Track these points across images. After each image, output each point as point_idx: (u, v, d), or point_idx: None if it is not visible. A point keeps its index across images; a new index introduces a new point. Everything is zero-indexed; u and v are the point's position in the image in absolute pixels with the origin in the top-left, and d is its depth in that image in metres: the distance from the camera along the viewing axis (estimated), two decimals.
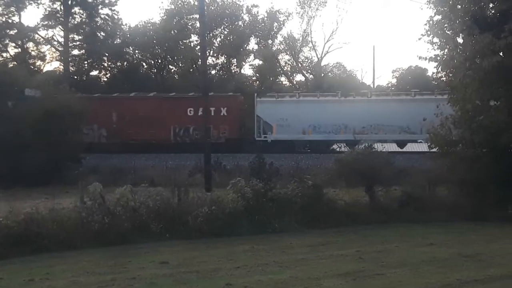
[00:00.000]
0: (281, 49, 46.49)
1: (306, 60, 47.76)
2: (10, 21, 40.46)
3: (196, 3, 39.28)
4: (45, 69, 43.43)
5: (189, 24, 43.71)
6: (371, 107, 27.69)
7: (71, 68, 41.80)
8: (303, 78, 48.99)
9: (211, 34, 42.92)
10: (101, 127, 29.00)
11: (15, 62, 39.51)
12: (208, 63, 39.21)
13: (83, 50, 42.80)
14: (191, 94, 30.79)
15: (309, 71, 48.10)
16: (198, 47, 38.24)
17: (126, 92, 33.23)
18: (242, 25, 45.08)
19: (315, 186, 13.59)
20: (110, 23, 42.33)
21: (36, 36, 42.16)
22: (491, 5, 15.44)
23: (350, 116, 27.42)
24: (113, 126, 29.08)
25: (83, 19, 41.80)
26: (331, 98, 29.09)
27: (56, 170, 19.79)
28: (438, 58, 16.03)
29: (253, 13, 45.27)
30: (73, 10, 41.11)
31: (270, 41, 45.90)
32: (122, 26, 43.73)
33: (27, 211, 10.76)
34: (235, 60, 45.75)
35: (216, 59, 45.32)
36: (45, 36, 42.19)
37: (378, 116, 27.11)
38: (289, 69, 48.16)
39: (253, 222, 12.13)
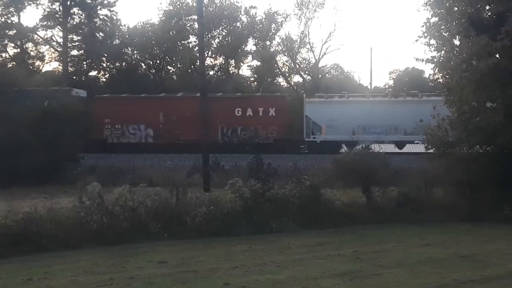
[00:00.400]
0: (279, 50, 46.59)
1: (304, 61, 47.88)
2: (9, 21, 40.57)
3: (194, 4, 39.35)
4: (44, 70, 43.64)
5: (188, 25, 43.79)
6: (421, 108, 27.18)
7: (70, 68, 41.86)
8: (300, 79, 49.15)
9: (209, 35, 43.01)
10: (148, 128, 28.82)
11: (14, 62, 39.62)
12: (206, 64, 39.36)
13: (82, 51, 42.90)
14: (238, 94, 30.58)
15: (306, 72, 48.21)
16: (197, 48, 38.47)
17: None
18: (240, 26, 45.16)
19: (313, 187, 13.62)
20: (109, 23, 42.42)
21: (35, 36, 42.28)
22: (487, 7, 15.51)
23: (401, 116, 27.13)
24: (159, 127, 28.86)
25: (82, 20, 41.89)
26: (381, 98, 28.87)
27: (54, 170, 19.79)
28: (435, 60, 16.09)
29: (251, 15, 45.39)
30: (72, 11, 41.20)
31: (268, 42, 46.00)
32: (121, 27, 43.86)
33: (25, 211, 10.75)
34: (233, 61, 45.86)
35: (214, 60, 45.47)
36: (44, 36, 42.35)
37: (429, 117, 26.74)
38: (287, 70, 48.28)
39: (251, 222, 12.15)
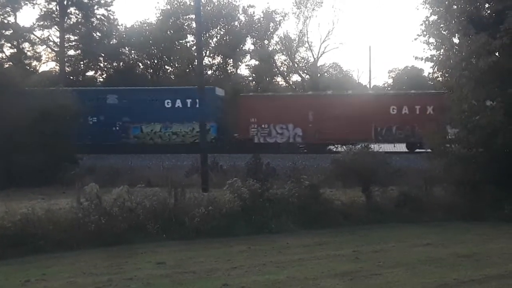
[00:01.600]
0: (277, 49, 46.61)
1: (302, 60, 47.94)
2: (5, 21, 40.48)
3: (192, 3, 39.28)
4: (41, 70, 43.52)
5: (185, 24, 43.75)
6: None
7: (67, 68, 41.81)
8: (299, 79, 49.18)
9: (207, 35, 42.95)
10: (296, 127, 28.00)
11: (10, 63, 39.51)
12: (204, 64, 39.27)
13: (79, 51, 42.83)
14: (393, 92, 29.56)
15: (305, 71, 48.25)
16: (194, 47, 38.40)
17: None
18: (238, 25, 45.17)
19: (312, 186, 13.56)
20: (106, 23, 42.37)
21: (32, 36, 42.23)
22: (486, 5, 15.51)
23: None
24: (308, 126, 27.93)
25: (79, 20, 41.85)
26: None
27: (52, 171, 19.69)
28: (434, 58, 16.08)
29: (249, 13, 45.44)
30: (68, 11, 41.14)
31: (266, 41, 46.01)
32: (118, 27, 43.82)
33: (23, 212, 10.69)
34: (231, 60, 45.82)
35: (212, 60, 45.43)
36: (40, 36, 42.28)
37: None
38: (285, 69, 48.30)
39: (249, 222, 12.09)
